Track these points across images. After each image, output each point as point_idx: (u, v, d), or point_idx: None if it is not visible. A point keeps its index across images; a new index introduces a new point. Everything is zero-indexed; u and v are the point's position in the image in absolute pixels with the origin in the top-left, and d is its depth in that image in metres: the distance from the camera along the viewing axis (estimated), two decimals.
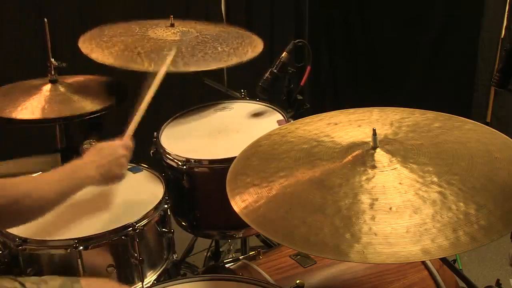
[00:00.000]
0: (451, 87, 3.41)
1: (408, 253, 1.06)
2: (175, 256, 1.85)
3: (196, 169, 1.84)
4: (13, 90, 2.07)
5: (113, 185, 1.64)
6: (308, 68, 2.17)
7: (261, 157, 1.44)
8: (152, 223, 1.70)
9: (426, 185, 1.20)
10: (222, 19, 2.88)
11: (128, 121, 1.66)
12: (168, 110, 2.16)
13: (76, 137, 2.14)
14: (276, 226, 1.20)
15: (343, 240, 1.11)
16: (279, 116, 2.07)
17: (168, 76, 1.85)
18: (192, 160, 1.83)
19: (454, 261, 2.01)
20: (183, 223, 1.98)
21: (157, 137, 1.97)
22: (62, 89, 2.03)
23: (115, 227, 1.60)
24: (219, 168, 1.80)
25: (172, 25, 2.15)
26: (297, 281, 1.42)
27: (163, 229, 1.76)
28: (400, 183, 1.22)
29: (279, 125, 1.98)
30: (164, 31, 2.11)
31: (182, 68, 1.90)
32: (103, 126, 2.10)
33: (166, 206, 1.75)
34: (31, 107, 1.93)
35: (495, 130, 1.41)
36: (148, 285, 1.68)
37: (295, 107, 2.15)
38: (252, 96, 2.22)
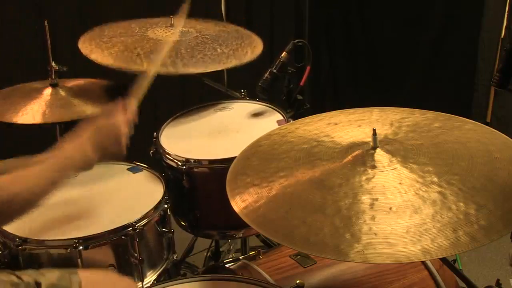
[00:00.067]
0: (451, 87, 3.41)
1: (408, 253, 1.06)
2: (175, 256, 1.85)
3: (196, 169, 1.84)
4: (13, 93, 2.06)
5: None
6: (308, 68, 2.17)
7: (261, 157, 1.44)
8: (152, 223, 1.70)
9: (426, 185, 1.20)
10: (222, 19, 2.88)
11: (131, 93, 1.57)
12: (168, 110, 2.17)
13: None
14: (276, 226, 1.20)
15: (343, 240, 1.11)
16: (279, 116, 2.07)
17: (168, 76, 1.85)
18: (192, 160, 1.83)
19: (454, 261, 2.01)
20: (183, 223, 1.98)
21: (157, 137, 1.97)
22: (62, 93, 2.03)
23: (115, 227, 1.61)
24: (219, 168, 1.80)
25: (172, 25, 2.15)
26: (297, 281, 1.42)
27: (163, 229, 1.76)
28: (400, 183, 1.22)
29: (279, 125, 1.98)
30: (164, 31, 2.11)
31: (182, 70, 1.89)
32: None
33: (166, 206, 1.75)
34: (32, 111, 1.93)
35: (495, 130, 1.41)
36: (148, 285, 1.68)
37: (295, 107, 2.15)
38: (252, 96, 2.22)
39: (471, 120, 1.46)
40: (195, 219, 1.93)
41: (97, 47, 2.00)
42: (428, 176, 1.23)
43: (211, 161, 1.84)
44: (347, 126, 1.49)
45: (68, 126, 2.11)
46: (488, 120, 3.37)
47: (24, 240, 1.57)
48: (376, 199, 1.18)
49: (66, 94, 2.03)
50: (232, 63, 1.95)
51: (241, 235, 1.99)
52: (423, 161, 1.28)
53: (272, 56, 2.26)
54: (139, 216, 1.66)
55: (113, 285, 1.47)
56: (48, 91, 2.02)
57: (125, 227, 1.61)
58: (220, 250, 2.33)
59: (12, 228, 1.60)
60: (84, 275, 1.41)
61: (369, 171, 1.26)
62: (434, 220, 1.11)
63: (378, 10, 3.35)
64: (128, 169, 1.92)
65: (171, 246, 1.83)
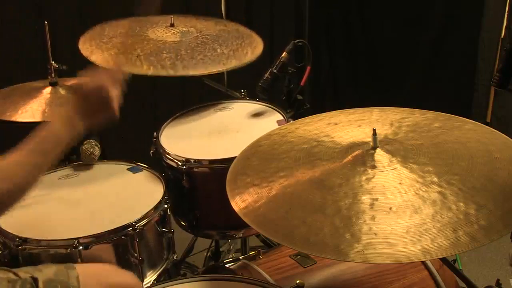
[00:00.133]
0: (451, 87, 3.40)
1: (408, 253, 1.06)
2: (175, 256, 1.85)
3: (196, 169, 1.84)
4: (13, 93, 2.06)
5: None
6: (308, 68, 2.17)
7: (261, 157, 1.44)
8: (152, 223, 1.70)
9: (426, 185, 1.20)
10: (222, 19, 2.88)
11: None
12: (168, 110, 2.17)
13: None
14: (276, 226, 1.20)
15: (343, 240, 1.11)
16: (279, 116, 2.07)
17: (168, 76, 1.85)
18: (192, 160, 1.83)
19: (454, 261, 2.01)
20: (183, 223, 1.98)
21: (157, 137, 1.97)
22: (62, 91, 2.03)
23: (115, 227, 1.61)
24: (219, 168, 1.80)
25: (172, 25, 2.15)
26: (297, 281, 1.42)
27: (163, 229, 1.76)
28: (400, 183, 1.22)
29: (279, 125, 1.98)
30: (164, 32, 2.11)
31: (181, 71, 1.89)
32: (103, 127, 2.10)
33: (166, 206, 1.75)
34: (32, 110, 1.93)
35: (495, 130, 1.42)
36: (148, 285, 1.68)
37: (295, 107, 2.15)
38: (252, 96, 2.22)
39: (471, 120, 1.46)
40: (195, 219, 1.93)
41: (97, 48, 2.00)
42: (428, 176, 1.23)
43: (211, 161, 1.84)
44: (347, 126, 1.49)
45: None
46: (488, 120, 3.37)
47: (24, 240, 1.56)
48: (376, 199, 1.18)
49: (66, 93, 2.03)
50: (232, 64, 1.94)
51: (241, 235, 1.99)
52: (423, 161, 1.28)
53: (272, 56, 2.26)
54: (139, 216, 1.66)
55: (112, 278, 1.45)
56: (47, 90, 2.02)
57: (125, 227, 1.61)
58: (220, 250, 2.32)
59: (12, 228, 1.60)
60: (82, 269, 1.39)
61: (369, 171, 1.26)
62: (434, 220, 1.11)
63: (378, 10, 3.34)
64: (128, 169, 1.92)
65: (171, 246, 1.83)
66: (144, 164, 1.93)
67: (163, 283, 1.44)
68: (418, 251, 1.06)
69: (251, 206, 1.26)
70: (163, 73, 1.84)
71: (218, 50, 2.00)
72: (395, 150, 1.32)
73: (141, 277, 1.67)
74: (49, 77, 2.04)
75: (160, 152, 1.92)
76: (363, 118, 1.52)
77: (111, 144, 2.36)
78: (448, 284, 1.55)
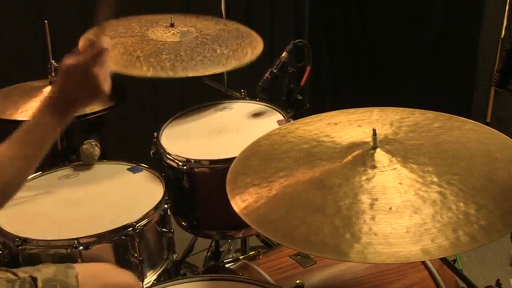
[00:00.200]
0: (451, 87, 3.40)
1: (408, 253, 1.06)
2: (175, 256, 1.85)
3: (196, 169, 1.84)
4: (13, 92, 2.07)
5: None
6: (308, 68, 2.17)
7: (261, 157, 1.44)
8: (152, 223, 1.70)
9: (426, 185, 1.20)
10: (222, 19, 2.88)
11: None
12: (168, 110, 2.17)
13: (76, 138, 2.14)
14: (276, 226, 1.20)
15: (343, 240, 1.11)
16: (279, 116, 2.07)
17: (168, 77, 1.84)
18: (192, 160, 1.83)
19: (454, 261, 2.01)
20: (183, 223, 1.98)
21: (157, 137, 1.97)
22: None
23: (115, 227, 1.61)
24: (219, 168, 1.80)
25: (172, 25, 2.15)
26: (297, 281, 1.42)
27: (163, 229, 1.76)
28: (400, 183, 1.22)
29: (279, 125, 1.98)
30: (163, 32, 2.11)
31: (181, 73, 1.89)
32: (103, 126, 2.10)
33: (166, 206, 1.75)
34: (32, 109, 1.93)
35: (495, 130, 1.41)
36: (148, 285, 1.68)
37: (295, 107, 2.15)
38: (252, 96, 2.22)
39: (471, 120, 1.46)
40: (195, 219, 1.93)
41: None
42: (428, 176, 1.23)
43: (212, 161, 1.84)
44: (347, 126, 1.49)
45: (67, 126, 2.12)
46: (488, 120, 3.37)
47: (24, 240, 1.56)
48: (376, 199, 1.18)
49: None
50: (232, 64, 1.94)
51: (241, 235, 1.99)
52: (423, 161, 1.28)
53: (272, 56, 2.26)
54: (139, 216, 1.66)
55: (111, 278, 1.45)
56: (47, 89, 2.03)
57: (125, 227, 1.61)
58: (220, 250, 2.32)
59: (12, 228, 1.60)
60: (81, 268, 1.40)
61: (369, 171, 1.26)
62: (434, 220, 1.11)
63: (378, 10, 3.34)
64: (128, 169, 1.92)
65: (171, 246, 1.83)
66: (144, 164, 1.93)
67: (163, 283, 1.44)
68: (418, 251, 1.06)
69: (251, 206, 1.26)
70: (162, 75, 1.84)
71: (218, 51, 2.00)
72: (395, 150, 1.32)
73: (141, 277, 1.67)
74: (49, 76, 2.04)
75: (160, 152, 1.92)
76: (363, 118, 1.52)
77: (111, 144, 2.36)
78: (448, 284, 1.55)
